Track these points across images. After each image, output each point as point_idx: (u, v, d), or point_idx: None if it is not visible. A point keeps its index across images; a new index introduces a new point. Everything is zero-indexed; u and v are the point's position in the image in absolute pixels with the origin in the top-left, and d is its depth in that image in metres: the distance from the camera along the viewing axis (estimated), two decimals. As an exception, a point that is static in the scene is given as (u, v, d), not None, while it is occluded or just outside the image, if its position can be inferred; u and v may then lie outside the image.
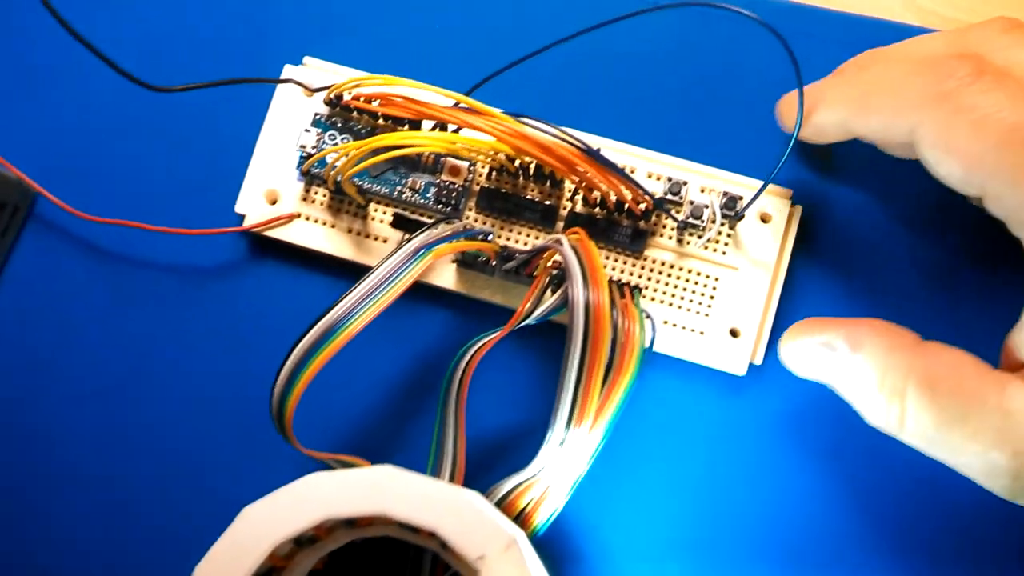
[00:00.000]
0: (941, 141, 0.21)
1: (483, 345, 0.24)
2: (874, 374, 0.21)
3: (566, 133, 0.24)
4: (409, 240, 0.23)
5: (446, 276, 0.26)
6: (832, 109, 0.23)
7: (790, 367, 0.24)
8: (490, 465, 0.26)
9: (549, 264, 0.24)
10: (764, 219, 0.25)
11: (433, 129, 0.25)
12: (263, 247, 0.27)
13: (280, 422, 0.23)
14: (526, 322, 0.24)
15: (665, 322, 0.25)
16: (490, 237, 0.24)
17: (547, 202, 0.26)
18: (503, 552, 0.20)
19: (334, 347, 0.23)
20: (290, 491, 0.21)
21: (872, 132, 0.23)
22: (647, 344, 0.24)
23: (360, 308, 0.22)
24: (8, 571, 0.26)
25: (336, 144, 0.26)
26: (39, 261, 0.28)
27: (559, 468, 0.22)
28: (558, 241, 0.23)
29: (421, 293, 0.26)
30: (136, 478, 0.26)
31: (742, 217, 0.25)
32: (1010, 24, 0.22)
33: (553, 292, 0.24)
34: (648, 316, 0.25)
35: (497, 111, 0.24)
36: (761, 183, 0.25)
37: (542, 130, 0.24)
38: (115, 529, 0.26)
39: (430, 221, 0.25)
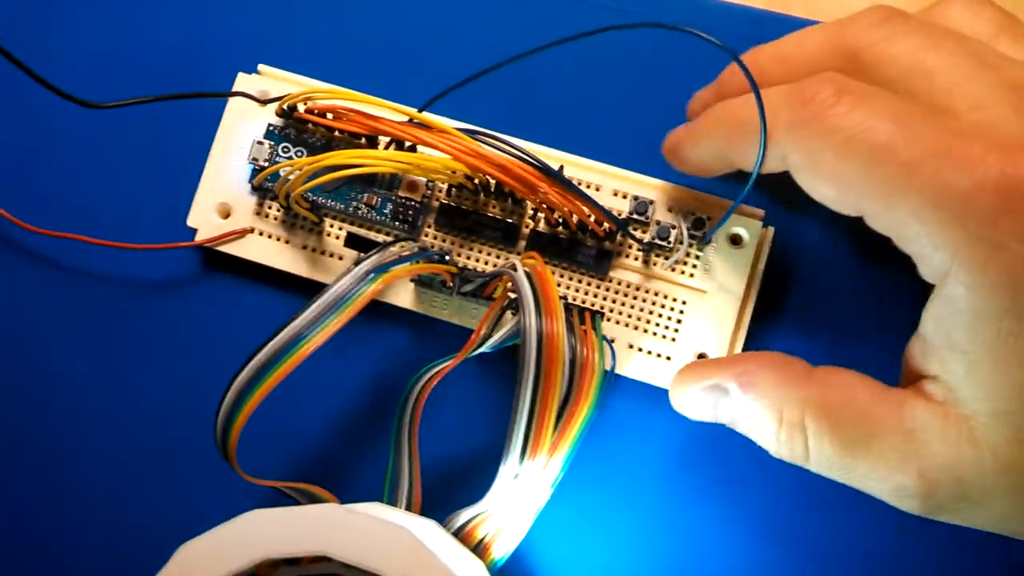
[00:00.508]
0: (809, 166, 0.20)
1: (436, 373, 0.23)
2: (770, 411, 0.21)
3: (525, 151, 0.23)
4: (362, 261, 0.22)
5: (403, 295, 0.25)
6: (705, 143, 0.22)
7: (684, 413, 0.23)
8: (453, 490, 0.25)
9: (508, 286, 0.23)
10: (735, 240, 0.24)
11: (389, 144, 0.24)
12: (215, 262, 0.26)
13: (224, 448, 0.22)
14: (481, 350, 0.23)
15: (630, 346, 0.24)
16: (447, 258, 0.23)
17: (509, 220, 0.25)
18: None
19: (283, 370, 0.22)
20: (229, 529, 0.20)
21: (748, 164, 0.21)
22: (607, 371, 0.23)
23: (310, 331, 0.22)
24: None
25: (290, 157, 0.25)
26: (-14, 274, 0.27)
27: (515, 501, 0.22)
28: (512, 267, 0.22)
29: (377, 312, 0.25)
30: (71, 501, 0.26)
31: (711, 239, 0.24)
32: (885, 15, 0.21)
33: (513, 315, 0.23)
34: (610, 343, 0.24)
35: (452, 127, 0.23)
36: (731, 203, 0.24)
37: (499, 148, 0.23)
38: (44, 558, 0.25)
39: (385, 240, 0.24)
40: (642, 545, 0.25)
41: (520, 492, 0.21)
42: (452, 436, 0.25)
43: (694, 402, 0.22)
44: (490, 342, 0.23)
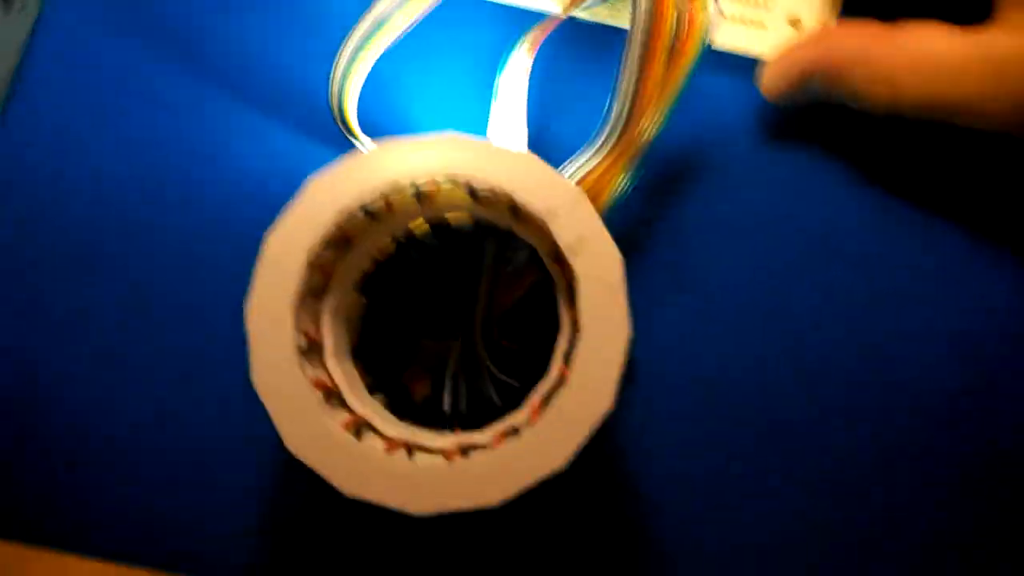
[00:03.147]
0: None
1: (544, 25, 0.23)
2: (861, 82, 0.22)
3: None
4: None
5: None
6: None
7: (777, 102, 0.25)
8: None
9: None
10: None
11: None
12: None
13: (340, 114, 0.23)
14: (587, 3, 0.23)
15: (723, 14, 0.25)
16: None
17: None
18: (573, 206, 0.20)
19: (384, 36, 0.22)
20: (358, 158, 0.20)
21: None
22: (709, 29, 0.23)
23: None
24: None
25: None
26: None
27: (620, 145, 0.22)
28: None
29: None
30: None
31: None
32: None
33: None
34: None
35: None
36: None
37: None
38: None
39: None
40: (727, 217, 0.25)
41: (626, 133, 0.22)
42: (549, 113, 0.26)
43: (785, 95, 0.24)
44: (594, -6, 0.23)
